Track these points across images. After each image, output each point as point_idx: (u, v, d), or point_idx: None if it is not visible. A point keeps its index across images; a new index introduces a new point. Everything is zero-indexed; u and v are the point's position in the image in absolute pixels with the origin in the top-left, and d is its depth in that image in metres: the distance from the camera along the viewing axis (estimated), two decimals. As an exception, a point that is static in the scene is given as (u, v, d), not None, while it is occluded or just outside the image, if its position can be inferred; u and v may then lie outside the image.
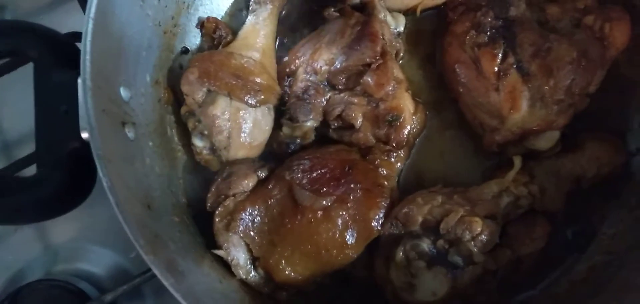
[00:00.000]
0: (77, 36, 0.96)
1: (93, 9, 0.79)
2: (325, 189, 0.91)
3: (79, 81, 0.78)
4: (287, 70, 1.00)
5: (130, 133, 0.88)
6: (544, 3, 0.95)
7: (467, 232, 0.84)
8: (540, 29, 0.93)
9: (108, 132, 0.80)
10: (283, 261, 0.90)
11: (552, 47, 0.90)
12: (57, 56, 0.87)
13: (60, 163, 0.83)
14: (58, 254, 1.18)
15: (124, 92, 0.88)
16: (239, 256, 0.92)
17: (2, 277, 1.15)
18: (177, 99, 1.02)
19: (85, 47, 0.77)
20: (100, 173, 0.74)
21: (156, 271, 0.72)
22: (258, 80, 0.96)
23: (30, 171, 0.88)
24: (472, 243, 0.85)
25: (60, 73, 0.85)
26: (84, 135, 0.79)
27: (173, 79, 1.02)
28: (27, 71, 0.91)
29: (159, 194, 0.91)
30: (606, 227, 0.96)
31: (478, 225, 0.84)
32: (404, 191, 0.99)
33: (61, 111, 0.83)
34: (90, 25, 0.78)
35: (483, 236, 0.85)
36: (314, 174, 0.93)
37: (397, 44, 1.02)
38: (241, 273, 0.92)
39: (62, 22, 1.23)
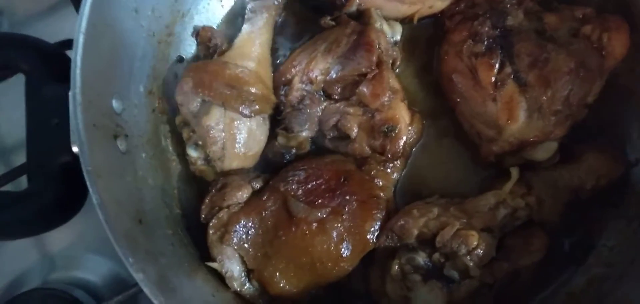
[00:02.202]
0: (69, 44, 0.96)
1: (84, 23, 0.77)
2: (320, 200, 0.91)
3: (70, 95, 0.77)
4: (283, 79, 0.99)
5: (122, 146, 0.87)
6: (542, 12, 0.94)
7: (463, 246, 0.83)
8: (538, 38, 0.91)
9: (99, 146, 0.79)
10: (277, 274, 0.89)
11: (549, 57, 0.89)
12: (48, 69, 0.86)
13: (51, 177, 0.82)
14: (54, 263, 1.17)
15: (116, 104, 0.87)
16: (233, 268, 0.91)
17: (-2, 285, 1.15)
18: (171, 108, 1.01)
19: (76, 61, 0.76)
20: (89, 189, 0.73)
21: (146, 290, 0.71)
22: (253, 90, 0.95)
23: (25, 179, 0.86)
24: (468, 257, 0.84)
25: (51, 86, 0.84)
26: (75, 149, 0.77)
27: (167, 89, 1.01)
28: (20, 79, 0.89)
29: (151, 207, 0.90)
30: (605, 239, 0.94)
31: (474, 239, 0.83)
32: (401, 200, 0.98)
33: (52, 124, 0.82)
34: (81, 40, 0.77)
35: (479, 250, 0.84)
36: (309, 186, 0.92)
37: (394, 53, 1.00)
38: (235, 285, 0.91)
39: (59, 27, 1.24)
